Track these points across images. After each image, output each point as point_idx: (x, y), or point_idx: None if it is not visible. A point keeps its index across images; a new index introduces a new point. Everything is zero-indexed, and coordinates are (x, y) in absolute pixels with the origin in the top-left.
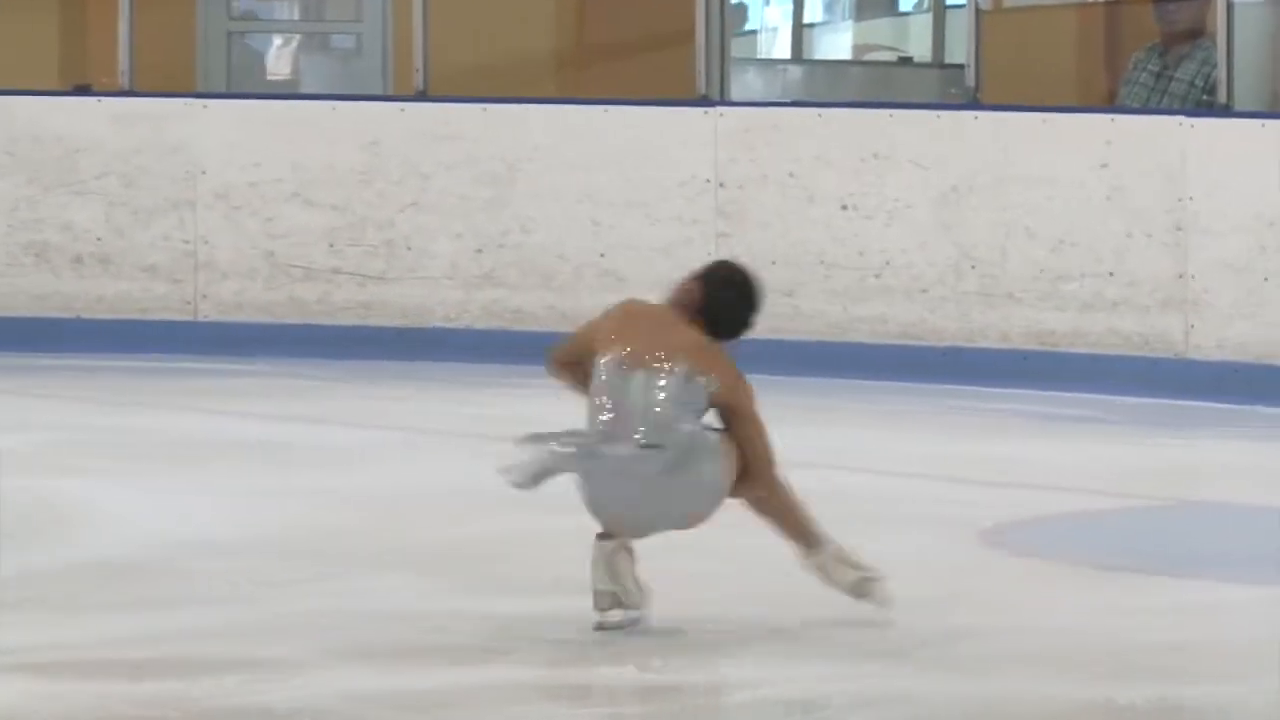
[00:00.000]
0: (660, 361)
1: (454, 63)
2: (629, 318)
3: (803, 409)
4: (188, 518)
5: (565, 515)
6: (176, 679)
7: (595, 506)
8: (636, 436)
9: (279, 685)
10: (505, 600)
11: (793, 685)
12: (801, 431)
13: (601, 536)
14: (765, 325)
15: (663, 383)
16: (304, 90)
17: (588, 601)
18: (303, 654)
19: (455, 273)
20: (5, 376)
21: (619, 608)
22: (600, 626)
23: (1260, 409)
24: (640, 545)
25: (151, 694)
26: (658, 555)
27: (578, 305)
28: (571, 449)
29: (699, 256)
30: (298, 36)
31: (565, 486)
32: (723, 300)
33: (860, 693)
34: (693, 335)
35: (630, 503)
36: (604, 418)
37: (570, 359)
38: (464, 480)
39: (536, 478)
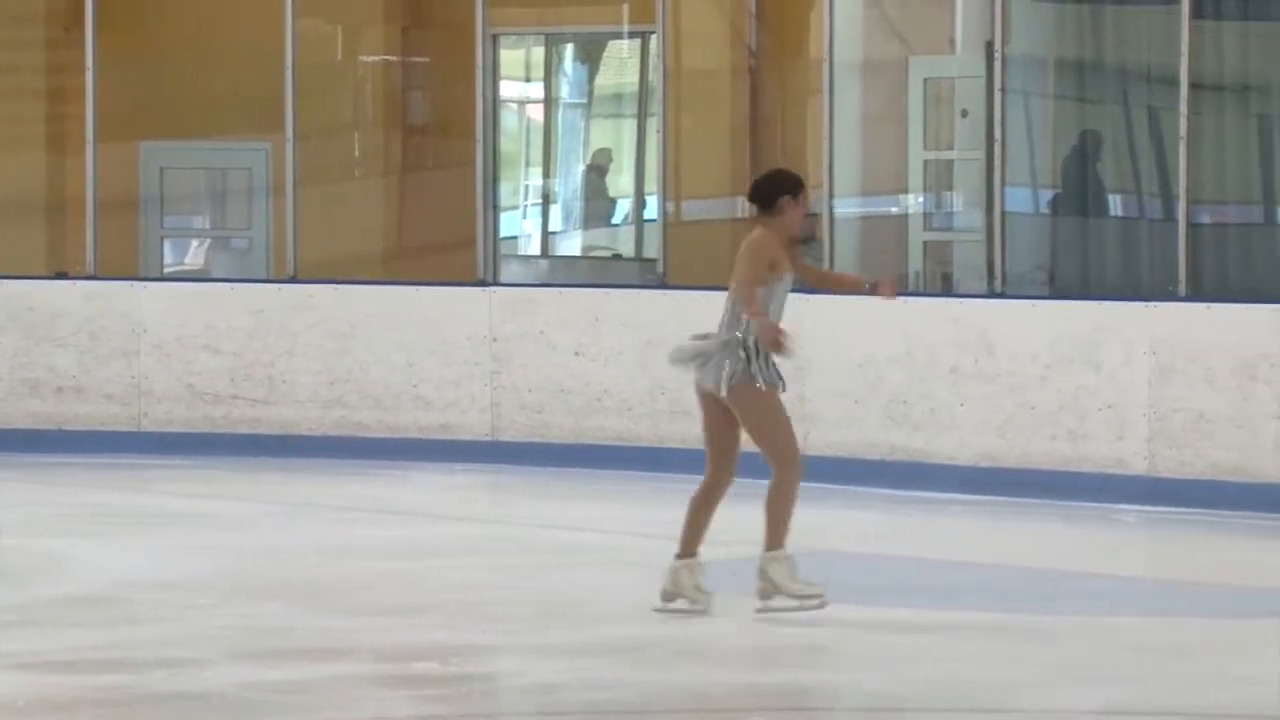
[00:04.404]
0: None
1: (315, 256)
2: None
3: (559, 491)
4: (134, 565)
5: (394, 560)
6: (121, 674)
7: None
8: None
9: (193, 677)
10: (352, 619)
11: (537, 675)
12: (550, 504)
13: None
14: (526, 429)
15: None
16: (213, 275)
17: (417, 618)
18: (211, 655)
19: (315, 398)
20: (12, 470)
21: (675, 600)
22: (660, 610)
23: (857, 489)
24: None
25: (105, 684)
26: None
27: (399, 420)
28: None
29: (480, 388)
30: (208, 240)
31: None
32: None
33: (589, 680)
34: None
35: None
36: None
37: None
38: (319, 537)
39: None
